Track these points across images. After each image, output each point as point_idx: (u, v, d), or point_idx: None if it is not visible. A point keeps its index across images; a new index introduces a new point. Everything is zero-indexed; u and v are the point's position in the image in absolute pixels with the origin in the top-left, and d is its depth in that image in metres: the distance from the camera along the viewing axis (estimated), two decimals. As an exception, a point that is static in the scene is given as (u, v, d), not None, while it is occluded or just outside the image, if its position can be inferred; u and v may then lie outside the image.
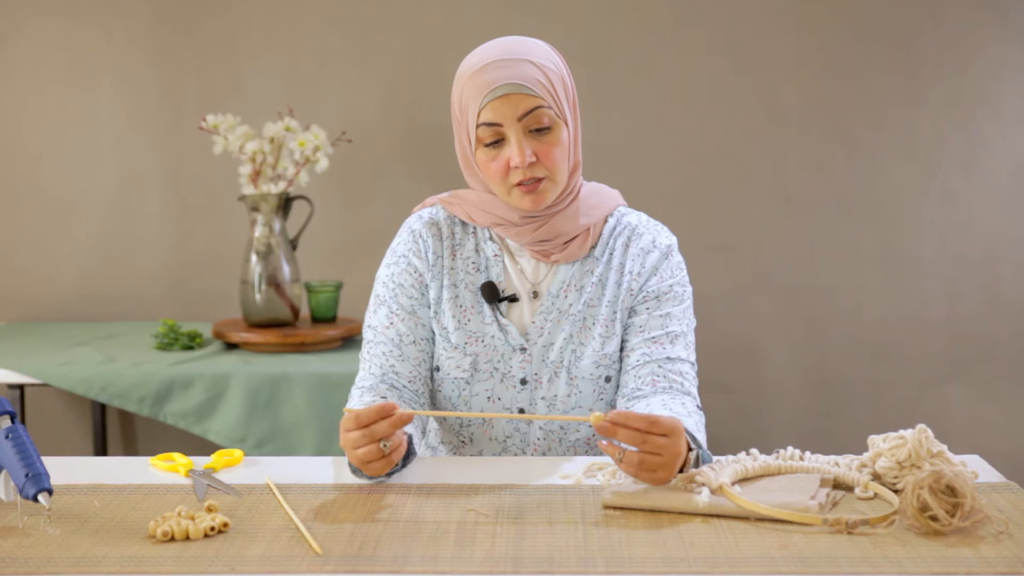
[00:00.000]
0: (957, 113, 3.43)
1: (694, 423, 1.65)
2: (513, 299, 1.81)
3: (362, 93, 3.43)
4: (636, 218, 1.87)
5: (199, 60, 3.43)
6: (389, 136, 3.44)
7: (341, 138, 3.17)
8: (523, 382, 1.80)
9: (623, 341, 1.82)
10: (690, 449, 1.55)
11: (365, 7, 3.41)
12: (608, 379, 1.81)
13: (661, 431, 1.46)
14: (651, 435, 1.46)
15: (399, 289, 1.83)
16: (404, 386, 1.80)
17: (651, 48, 3.43)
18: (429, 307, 1.82)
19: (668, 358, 1.77)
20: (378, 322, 1.83)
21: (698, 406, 1.76)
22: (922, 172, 3.45)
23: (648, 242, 1.83)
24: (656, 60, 3.43)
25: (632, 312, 1.81)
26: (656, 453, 1.46)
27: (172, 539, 1.38)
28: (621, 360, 1.82)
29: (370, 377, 1.81)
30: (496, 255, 1.82)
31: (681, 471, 1.52)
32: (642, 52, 3.43)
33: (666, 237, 1.85)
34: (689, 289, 1.84)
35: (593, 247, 1.83)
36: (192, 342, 3.00)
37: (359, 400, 1.76)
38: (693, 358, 1.81)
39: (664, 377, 1.76)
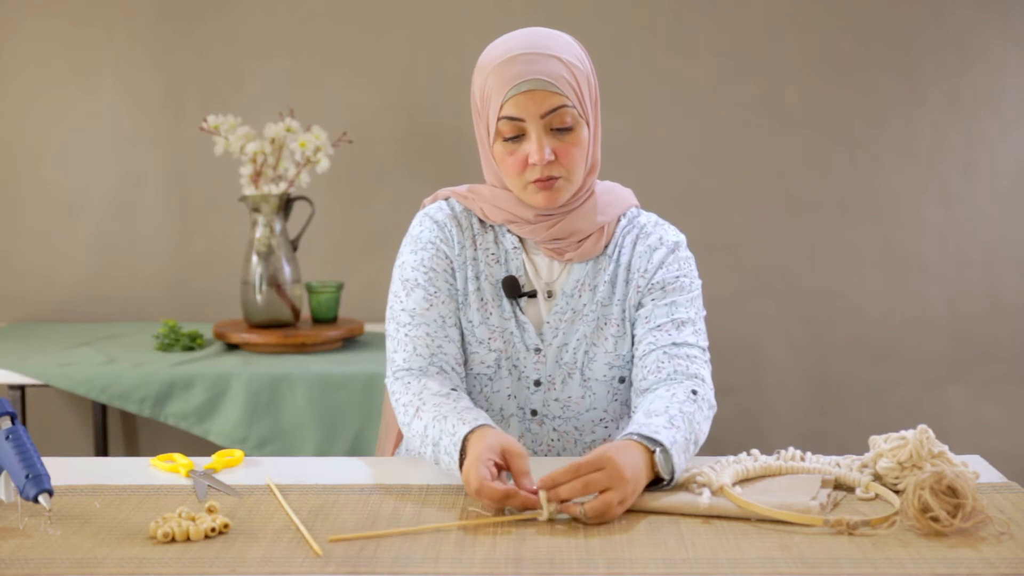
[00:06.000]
0: (958, 114, 3.43)
1: (665, 420, 1.56)
2: (532, 295, 1.77)
3: (363, 94, 3.43)
4: (646, 218, 1.84)
5: (200, 61, 3.43)
6: (390, 137, 3.44)
7: (342, 139, 3.17)
8: (537, 383, 1.78)
9: (633, 336, 1.78)
10: (653, 451, 1.51)
11: (366, 8, 3.41)
12: (622, 380, 1.78)
13: (590, 469, 1.45)
14: (585, 475, 1.44)
15: (432, 273, 1.76)
16: (453, 369, 1.73)
17: (652, 49, 3.43)
18: (458, 297, 1.78)
19: (674, 343, 1.72)
20: (415, 304, 1.74)
21: (695, 391, 1.66)
22: (923, 173, 3.45)
23: (655, 240, 1.80)
24: (657, 61, 3.43)
25: (639, 305, 1.77)
26: (605, 488, 1.44)
27: (173, 540, 1.38)
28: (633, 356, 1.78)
29: (418, 359, 1.72)
30: (515, 247, 1.78)
31: (654, 483, 1.51)
32: (643, 53, 3.43)
33: (673, 235, 1.82)
34: (698, 282, 1.80)
35: (606, 246, 1.79)
36: (193, 343, 3.00)
37: (422, 390, 1.68)
38: (704, 344, 1.75)
39: (669, 362, 1.70)
